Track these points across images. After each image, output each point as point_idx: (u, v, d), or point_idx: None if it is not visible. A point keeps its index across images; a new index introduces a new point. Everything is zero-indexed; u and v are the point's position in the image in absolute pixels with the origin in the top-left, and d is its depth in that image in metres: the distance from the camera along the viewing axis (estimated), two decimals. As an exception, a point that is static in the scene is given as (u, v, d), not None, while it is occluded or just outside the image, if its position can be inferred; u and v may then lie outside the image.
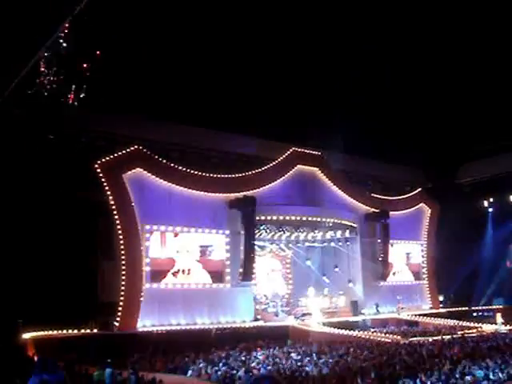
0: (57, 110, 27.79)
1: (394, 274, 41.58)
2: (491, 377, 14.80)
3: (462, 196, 44.39)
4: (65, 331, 25.92)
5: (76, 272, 27.22)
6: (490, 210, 45.41)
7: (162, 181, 30.69)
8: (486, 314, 39.72)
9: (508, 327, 31.77)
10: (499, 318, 34.22)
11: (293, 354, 22.02)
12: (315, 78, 37.48)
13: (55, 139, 29.32)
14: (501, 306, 39.84)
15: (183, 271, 31.48)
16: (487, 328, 32.11)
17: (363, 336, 29.06)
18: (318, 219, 36.23)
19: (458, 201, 43.20)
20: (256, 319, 32.84)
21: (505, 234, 42.92)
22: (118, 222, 28.73)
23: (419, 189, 43.66)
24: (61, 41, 20.66)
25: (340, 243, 39.87)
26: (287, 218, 35.18)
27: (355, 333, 30.08)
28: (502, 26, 34.12)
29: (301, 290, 38.83)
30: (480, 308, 41.13)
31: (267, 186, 34.59)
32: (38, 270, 26.09)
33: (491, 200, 45.30)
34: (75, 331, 26.15)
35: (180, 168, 31.44)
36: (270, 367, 18.63)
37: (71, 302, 25.77)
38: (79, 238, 27.97)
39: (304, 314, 35.02)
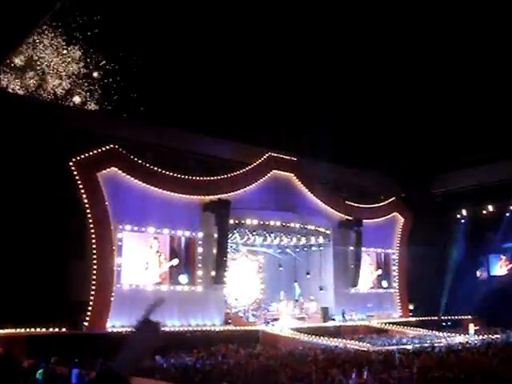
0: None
1: (365, 283, 41.73)
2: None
3: (435, 206, 44.78)
4: (32, 329, 25.64)
5: (45, 270, 26.90)
6: (463, 221, 45.87)
7: (137, 181, 30.52)
8: (455, 323, 40.04)
9: (480, 337, 32.00)
10: (472, 328, 34.47)
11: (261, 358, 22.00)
12: (293, 85, 37.64)
13: (29, 133, 29.05)
14: (470, 317, 40.15)
15: (156, 276, 31.36)
16: (456, 338, 32.33)
17: (333, 343, 29.11)
18: (292, 225, 36.27)
19: (431, 211, 43.58)
20: (226, 323, 32.80)
21: (477, 244, 43.32)
22: (90, 220, 28.54)
23: (393, 198, 43.85)
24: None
25: (313, 249, 40.00)
26: (261, 222, 35.15)
27: (325, 339, 30.14)
28: (481, 43, 34.61)
29: (272, 295, 38.86)
30: (450, 318, 41.42)
31: (242, 190, 34.57)
32: (5, 267, 25.75)
33: (464, 211, 45.79)
34: (43, 330, 25.88)
35: (155, 169, 31.30)
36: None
37: (40, 299, 25.44)
38: (49, 235, 27.63)
39: (274, 319, 35.01)
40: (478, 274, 46.70)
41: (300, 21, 35.08)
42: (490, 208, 44.58)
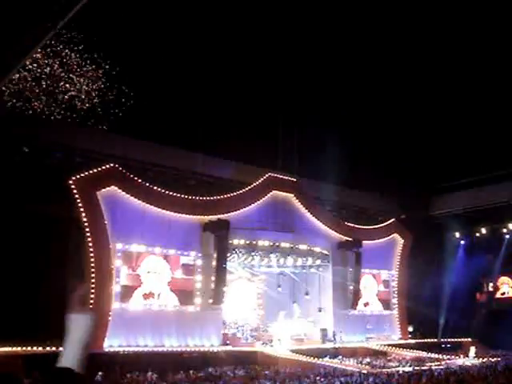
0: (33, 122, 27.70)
1: (364, 304, 41.56)
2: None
3: (434, 228, 44.73)
4: (29, 348, 25.49)
5: (42, 288, 26.80)
6: (462, 242, 45.84)
7: (136, 200, 30.50)
8: (454, 346, 39.78)
9: (480, 360, 31.70)
10: (472, 350, 34.17)
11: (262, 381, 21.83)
12: (293, 106, 37.77)
13: (28, 151, 29.15)
14: (470, 339, 39.94)
15: (153, 295, 31.21)
16: (456, 361, 32.08)
17: (331, 365, 28.91)
18: (291, 245, 36.20)
19: (431, 232, 43.54)
20: (224, 343, 32.61)
21: (476, 266, 43.21)
22: (89, 239, 28.46)
23: (393, 219, 43.79)
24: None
25: (312, 270, 39.86)
26: (260, 242, 35.08)
27: (324, 361, 29.95)
28: (473, 61, 34.83)
29: (271, 316, 38.61)
30: (449, 340, 41.18)
31: (242, 210, 34.53)
32: (2, 286, 25.66)
33: (463, 233, 45.79)
34: (40, 348, 25.72)
35: (155, 188, 31.30)
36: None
37: (37, 318, 25.37)
38: (47, 253, 27.57)
39: (272, 340, 34.80)
40: (478, 295, 46.53)
41: (296, 38, 35.33)
42: (490, 230, 44.54)
